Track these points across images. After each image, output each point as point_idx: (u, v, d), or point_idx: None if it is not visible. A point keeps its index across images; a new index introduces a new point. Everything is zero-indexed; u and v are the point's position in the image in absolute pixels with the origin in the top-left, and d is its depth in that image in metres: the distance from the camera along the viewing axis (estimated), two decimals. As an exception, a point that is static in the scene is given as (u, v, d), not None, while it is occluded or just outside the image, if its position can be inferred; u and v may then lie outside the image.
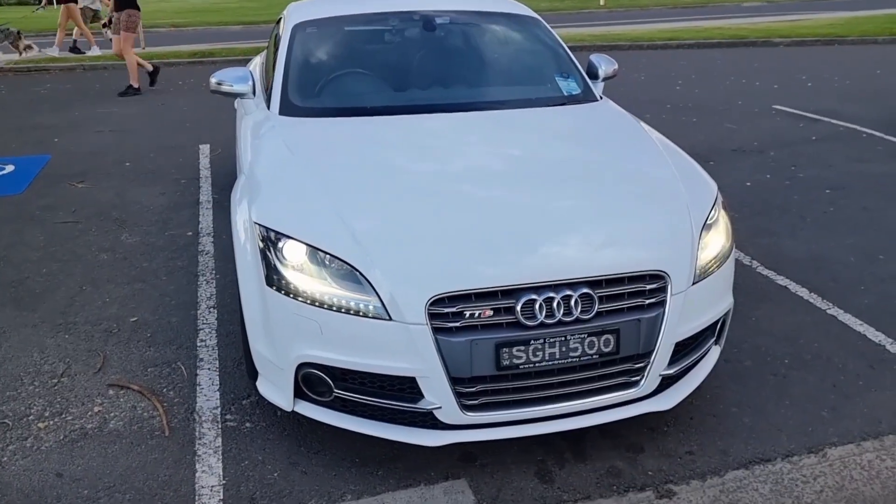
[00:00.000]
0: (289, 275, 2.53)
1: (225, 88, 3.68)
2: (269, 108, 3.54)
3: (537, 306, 2.39)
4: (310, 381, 2.57)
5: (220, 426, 2.89)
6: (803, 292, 4.01)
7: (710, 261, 2.73)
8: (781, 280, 4.16)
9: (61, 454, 2.74)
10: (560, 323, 2.42)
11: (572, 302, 2.42)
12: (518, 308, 2.38)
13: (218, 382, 3.17)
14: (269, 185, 2.88)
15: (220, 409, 3.00)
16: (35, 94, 10.37)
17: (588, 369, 2.50)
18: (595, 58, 4.13)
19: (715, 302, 2.77)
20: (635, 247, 2.59)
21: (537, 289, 2.41)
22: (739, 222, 4.99)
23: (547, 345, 2.42)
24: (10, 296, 4.00)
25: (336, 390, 2.54)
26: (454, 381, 2.40)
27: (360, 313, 2.41)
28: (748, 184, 5.86)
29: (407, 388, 2.46)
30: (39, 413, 2.98)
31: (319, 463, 2.69)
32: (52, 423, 2.92)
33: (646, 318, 2.50)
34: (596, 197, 2.79)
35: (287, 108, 3.49)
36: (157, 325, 3.65)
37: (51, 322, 3.70)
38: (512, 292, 2.40)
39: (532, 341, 2.40)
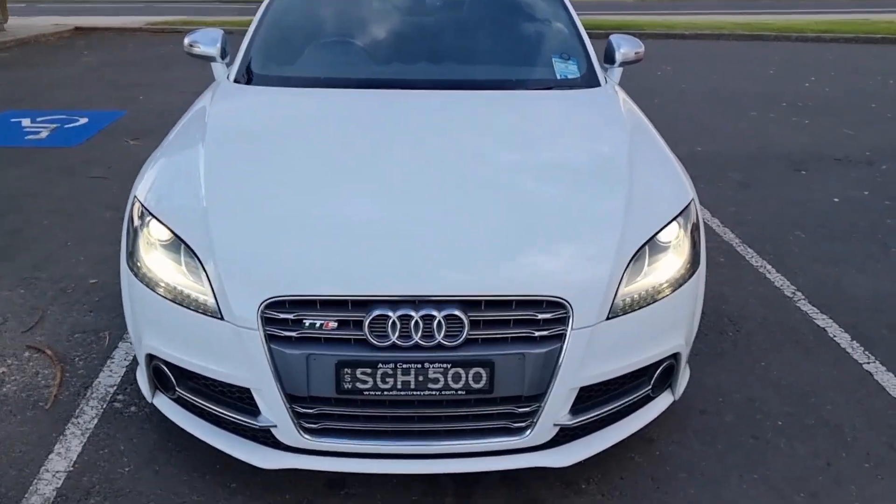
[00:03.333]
0: (145, 257, 2.27)
1: (196, 50, 3.47)
2: (227, 75, 3.30)
3: (390, 324, 1.99)
4: (159, 374, 2.32)
5: (104, 406, 2.72)
6: (843, 339, 3.27)
7: (648, 290, 2.19)
8: (822, 320, 3.42)
9: (-58, 412, 2.67)
10: (417, 347, 2.00)
11: (435, 324, 2.00)
12: (366, 323, 2.00)
13: (130, 359, 3.00)
14: (165, 158, 2.62)
15: (116, 387, 2.83)
16: (153, 54, 10.87)
17: (456, 406, 2.07)
18: (616, 38, 3.54)
19: (650, 341, 2.22)
20: (531, 267, 2.09)
21: (394, 303, 2.00)
22: (801, 245, 4.23)
23: (399, 371, 2.01)
24: None
25: (179, 389, 2.27)
26: (290, 398, 2.06)
27: (199, 309, 2.12)
28: (836, 200, 4.98)
29: (246, 399, 2.14)
30: (-49, 366, 2.94)
31: (177, 463, 2.44)
32: (-45, 378, 2.87)
33: (533, 353, 2.02)
34: (508, 205, 2.27)
35: (243, 76, 3.22)
36: (110, 291, 3.54)
37: (17, 275, 3.70)
38: (365, 304, 2.01)
39: (380, 365, 2.00)
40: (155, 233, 2.28)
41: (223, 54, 3.46)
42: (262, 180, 2.39)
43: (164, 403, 2.38)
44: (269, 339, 2.02)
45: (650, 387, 2.30)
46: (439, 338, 1.99)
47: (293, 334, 2.01)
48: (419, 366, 2.00)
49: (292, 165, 2.47)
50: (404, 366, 2.00)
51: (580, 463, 2.40)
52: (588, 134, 2.77)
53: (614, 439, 2.27)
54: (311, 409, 2.06)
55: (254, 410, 2.13)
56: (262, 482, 2.36)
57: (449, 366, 2.00)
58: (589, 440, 2.23)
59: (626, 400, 2.26)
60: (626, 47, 3.47)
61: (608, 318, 2.09)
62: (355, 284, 2.01)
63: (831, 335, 3.30)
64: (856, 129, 6.87)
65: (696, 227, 2.42)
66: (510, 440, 2.11)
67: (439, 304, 2.00)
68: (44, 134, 6.20)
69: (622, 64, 3.48)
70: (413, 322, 1.98)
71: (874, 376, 3.00)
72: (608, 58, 3.50)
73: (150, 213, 2.31)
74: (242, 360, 2.05)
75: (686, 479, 2.42)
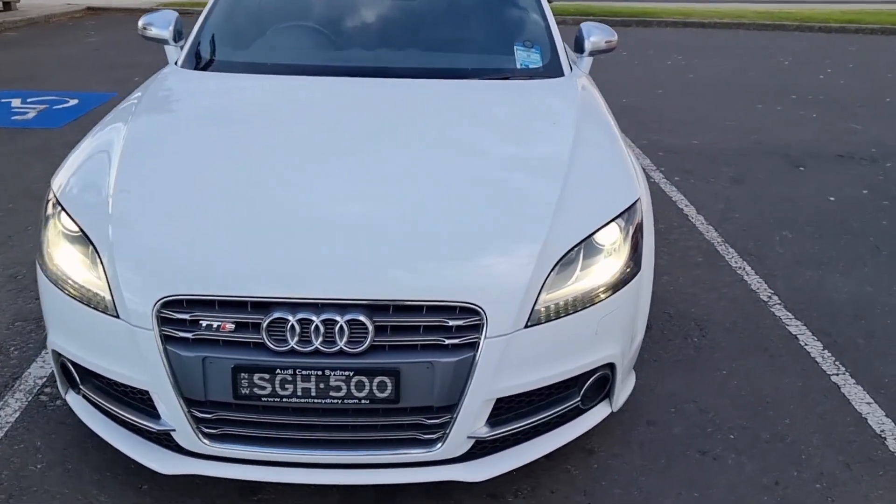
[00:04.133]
0: (52, 249, 2.17)
1: (149, 33, 3.36)
2: (175, 59, 3.19)
3: (288, 328, 1.88)
4: (66, 370, 2.23)
5: (29, 399, 2.64)
6: (815, 347, 3.10)
7: (579, 296, 2.05)
8: (795, 326, 3.25)
9: None
10: (317, 353, 1.88)
11: (336, 329, 1.88)
12: (264, 326, 1.88)
13: (66, 349, 2.93)
14: (86, 146, 2.52)
15: (45, 379, 2.75)
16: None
17: (363, 416, 1.96)
18: (586, 26, 3.36)
19: (578, 350, 2.08)
20: (445, 271, 1.96)
21: (294, 306, 1.89)
22: (786, 245, 4.05)
23: (299, 378, 1.89)
24: (-34, 227, 4.02)
25: (83, 388, 2.18)
26: (188, 402, 1.95)
27: (98, 307, 2.01)
28: (832, 199, 4.77)
29: (147, 400, 2.04)
30: None
31: (91, 462, 2.35)
32: None
33: (442, 362, 1.90)
34: (430, 205, 2.14)
35: (190, 61, 3.11)
36: (62, 278, 3.47)
37: (-28, 259, 3.66)
38: (265, 306, 1.90)
39: (279, 370, 1.89)
40: (64, 224, 2.18)
41: (176, 37, 3.35)
42: (178, 173, 2.28)
43: (74, 400, 2.29)
44: (165, 339, 1.91)
45: (579, 399, 2.17)
46: (341, 344, 1.87)
47: (189, 336, 1.90)
48: (319, 373, 1.88)
49: (214, 158, 2.35)
50: (304, 372, 1.88)
51: (510, 474, 2.28)
52: (532, 128, 2.61)
53: (537, 454, 2.14)
54: (210, 413, 1.96)
55: (155, 413, 2.03)
56: (173, 485, 2.26)
57: (351, 373, 1.88)
58: (507, 454, 2.10)
59: (552, 412, 2.13)
60: (596, 36, 3.29)
61: (527, 326, 1.96)
62: (254, 285, 1.90)
63: (802, 343, 3.13)
64: (865, 124, 6.60)
65: (639, 229, 2.27)
66: (420, 452, 1.99)
67: (342, 307, 1.88)
68: (31, 115, 6.15)
69: (592, 53, 3.31)
70: (313, 326, 1.86)
71: (841, 389, 2.84)
72: (578, 47, 3.33)
73: (61, 204, 2.21)
74: (139, 362, 1.95)
75: (620, 496, 2.29)
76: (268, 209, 2.10)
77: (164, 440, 2.07)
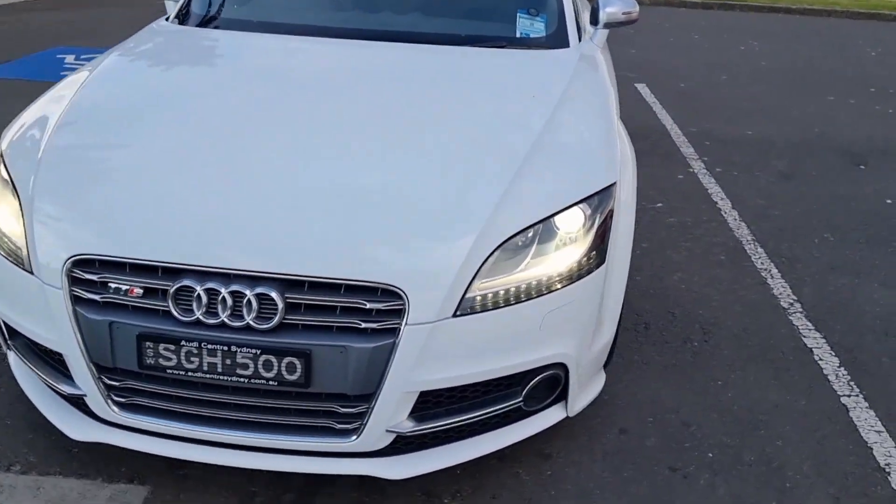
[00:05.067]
0: None
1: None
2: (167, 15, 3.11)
3: (195, 297, 1.75)
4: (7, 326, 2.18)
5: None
6: (830, 363, 2.79)
7: (525, 285, 1.84)
8: (813, 339, 2.94)
9: None
10: (224, 326, 1.75)
11: (244, 302, 1.74)
12: (171, 294, 1.76)
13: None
14: (46, 98, 2.45)
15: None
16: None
17: (274, 398, 1.82)
18: None
19: (520, 345, 1.88)
20: (369, 249, 1.79)
21: (203, 275, 1.76)
22: (824, 249, 3.69)
23: (205, 352, 1.76)
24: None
25: (13, 344, 2.12)
26: (98, 367, 1.86)
27: (17, 261, 1.94)
28: (888, 201, 4.33)
29: (63, 362, 1.96)
30: None
31: (30, 420, 2.29)
32: None
33: (357, 347, 1.73)
34: (375, 179, 1.96)
35: (184, 16, 3.02)
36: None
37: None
38: (175, 273, 1.78)
39: (184, 342, 1.76)
40: (3, 175, 2.12)
41: (178, -8, 3.27)
42: (117, 131, 2.17)
43: (12, 357, 2.25)
44: (75, 300, 1.82)
45: (521, 399, 1.97)
46: (248, 318, 1.74)
47: (98, 298, 1.81)
48: (226, 348, 1.75)
49: (159, 119, 2.24)
50: (210, 346, 1.76)
51: (453, 472, 2.12)
52: (508, 102, 2.38)
53: (469, 455, 1.97)
54: (119, 381, 1.87)
55: (70, 376, 1.95)
56: (102, 452, 2.18)
57: (258, 351, 1.75)
58: (435, 453, 1.93)
59: (488, 411, 1.94)
60: (613, 6, 3.01)
61: (456, 315, 1.78)
62: (164, 250, 1.78)
63: (816, 357, 2.82)
64: (947, 122, 6.02)
65: (610, 216, 2.04)
66: (335, 442, 1.84)
67: (253, 280, 1.75)
68: (80, 71, 6.27)
69: (609, 25, 3.04)
70: (220, 298, 1.74)
71: (850, 412, 2.53)
72: (593, 17, 3.07)
73: (1, 155, 2.15)
74: (50, 322, 1.86)
75: (569, 510, 2.09)
76: (196, 174, 1.97)
77: (83, 405, 2.00)
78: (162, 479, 2.11)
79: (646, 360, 2.76)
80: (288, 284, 1.75)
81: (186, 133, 2.15)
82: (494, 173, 1.98)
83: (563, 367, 2.00)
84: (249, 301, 1.73)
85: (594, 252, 1.98)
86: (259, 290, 1.73)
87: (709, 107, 6.19)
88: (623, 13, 3.03)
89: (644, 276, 3.34)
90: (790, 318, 3.08)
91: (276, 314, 1.74)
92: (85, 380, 1.88)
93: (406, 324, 1.74)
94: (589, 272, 1.97)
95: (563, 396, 2.09)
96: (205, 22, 2.99)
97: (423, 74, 2.57)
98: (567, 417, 2.13)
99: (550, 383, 2.01)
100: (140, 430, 1.93)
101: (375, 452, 1.89)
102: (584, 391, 2.17)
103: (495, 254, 1.82)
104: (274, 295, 1.73)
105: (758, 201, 4.26)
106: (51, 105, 2.35)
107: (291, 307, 1.75)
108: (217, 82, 2.50)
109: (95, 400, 1.90)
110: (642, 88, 6.71)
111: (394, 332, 1.75)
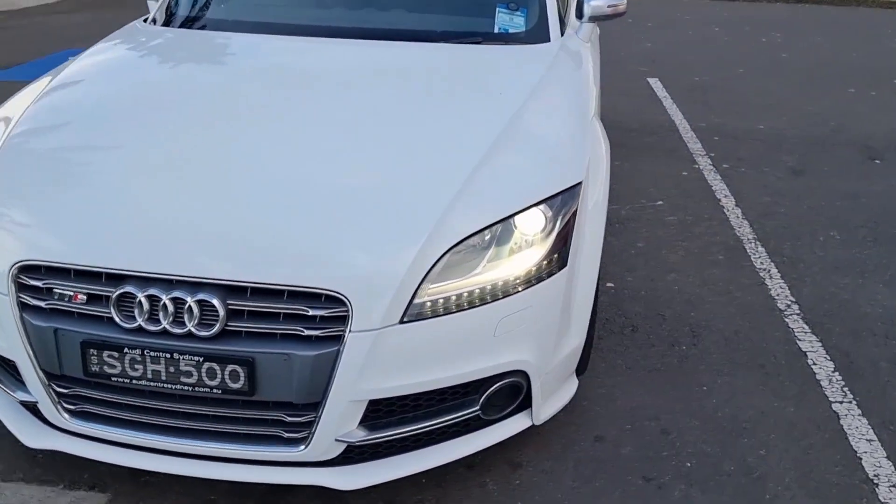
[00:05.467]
0: None
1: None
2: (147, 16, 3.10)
3: (137, 304, 1.72)
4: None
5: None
6: (824, 368, 2.68)
7: (479, 290, 1.78)
8: (808, 342, 2.82)
9: None
10: (166, 333, 1.72)
11: (185, 309, 1.71)
12: (113, 300, 1.73)
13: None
14: (9, 104, 2.42)
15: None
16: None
17: (220, 406, 1.78)
18: None
19: (473, 352, 1.81)
20: (312, 254, 1.74)
21: (145, 281, 1.73)
22: (828, 248, 3.56)
23: (148, 359, 1.73)
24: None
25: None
26: (48, 375, 1.84)
27: None
28: (902, 197, 4.17)
29: (16, 368, 1.95)
30: None
31: (-1, 427, 2.32)
32: None
33: (300, 355, 1.69)
34: (314, 181, 1.91)
35: (161, 16, 3.00)
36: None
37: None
38: (118, 279, 1.74)
39: (127, 349, 1.73)
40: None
41: (160, -8, 3.25)
42: (76, 134, 2.16)
43: (-22, 361, 2.25)
44: (22, 307, 1.80)
45: (479, 408, 1.90)
46: (190, 326, 1.70)
47: (43, 304, 1.79)
48: (169, 355, 1.72)
49: (118, 123, 2.21)
50: (153, 353, 1.73)
51: (416, 481, 2.07)
52: (473, 99, 2.31)
53: (426, 465, 1.90)
54: (68, 389, 1.84)
55: (24, 383, 1.94)
56: (66, 459, 2.16)
57: (201, 359, 1.71)
58: (389, 462, 1.88)
59: (445, 419, 1.88)
60: (598, 0, 2.93)
61: (403, 322, 1.72)
62: (107, 256, 1.75)
63: (810, 361, 2.71)
64: (972, 114, 5.79)
65: (573, 217, 1.97)
66: (284, 451, 1.80)
67: (194, 286, 1.71)
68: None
69: (594, 19, 2.95)
70: (161, 304, 1.70)
71: (840, 419, 2.42)
72: (578, 11, 2.98)
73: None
74: (0, 329, 1.86)
75: (533, 522, 2.03)
76: (145, 178, 1.94)
77: (39, 412, 1.98)
78: (123, 486, 2.09)
79: (629, 364, 2.67)
80: (229, 290, 1.71)
81: (141, 137, 2.12)
82: (449, 173, 1.92)
83: (523, 374, 1.93)
84: (191, 307, 1.69)
85: (556, 255, 1.91)
86: (200, 296, 1.70)
87: (721, 101, 6.03)
88: (609, 6, 2.94)
89: (636, 277, 3.25)
90: (786, 320, 2.96)
91: (217, 321, 1.70)
92: (36, 387, 1.87)
93: (350, 331, 1.69)
94: (550, 275, 1.90)
95: (528, 404, 2.02)
96: (184, 23, 2.96)
97: (393, 73, 2.51)
98: (534, 425, 2.07)
99: (511, 391, 1.95)
100: (94, 437, 1.91)
101: (328, 462, 1.85)
102: (552, 399, 2.09)
103: (446, 257, 1.76)
104: (215, 301, 1.69)
105: (763, 198, 4.13)
106: (13, 107, 2.34)
107: (234, 314, 1.71)
108: (176, 85, 2.47)
109: (47, 407, 1.89)
110: (654, 83, 6.57)
111: (338, 339, 1.70)
